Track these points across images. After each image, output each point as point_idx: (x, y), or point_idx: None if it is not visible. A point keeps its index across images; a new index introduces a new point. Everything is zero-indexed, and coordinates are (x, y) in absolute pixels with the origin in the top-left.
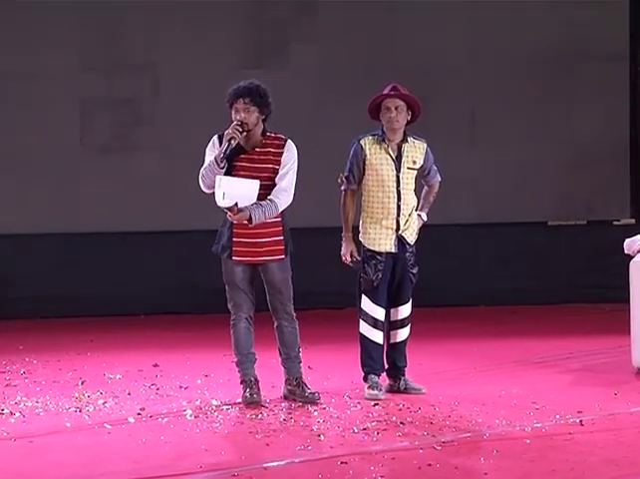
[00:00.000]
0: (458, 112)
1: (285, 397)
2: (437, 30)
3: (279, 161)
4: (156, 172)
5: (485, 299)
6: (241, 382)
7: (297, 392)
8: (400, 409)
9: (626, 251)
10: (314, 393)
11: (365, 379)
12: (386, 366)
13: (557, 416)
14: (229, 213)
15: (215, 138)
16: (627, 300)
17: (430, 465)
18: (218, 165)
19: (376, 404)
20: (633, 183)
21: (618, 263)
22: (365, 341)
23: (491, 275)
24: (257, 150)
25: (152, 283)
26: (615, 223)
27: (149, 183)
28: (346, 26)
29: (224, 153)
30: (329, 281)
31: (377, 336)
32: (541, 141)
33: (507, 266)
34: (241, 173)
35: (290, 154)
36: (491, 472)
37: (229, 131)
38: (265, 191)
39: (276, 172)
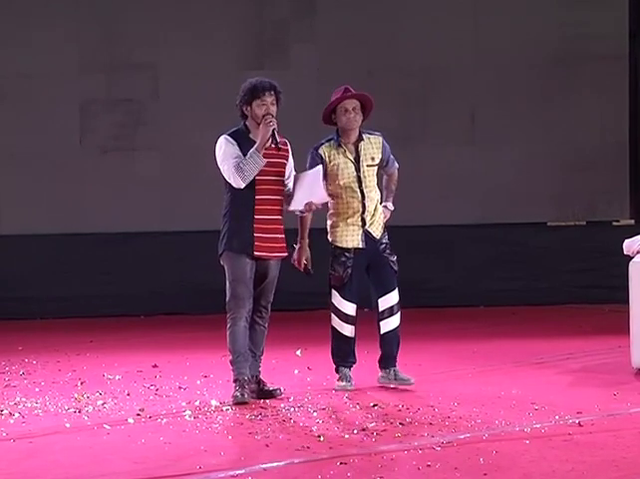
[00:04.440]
0: (458, 112)
1: None
2: (436, 30)
3: (287, 157)
4: (155, 172)
5: (485, 300)
6: (234, 381)
7: (257, 390)
8: (399, 410)
9: (625, 252)
10: (276, 389)
11: (336, 371)
12: (361, 356)
13: (557, 417)
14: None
15: (228, 137)
16: (627, 301)
17: (429, 466)
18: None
19: (375, 405)
20: (633, 183)
21: (618, 264)
22: (336, 334)
23: (491, 276)
24: (271, 146)
25: (151, 284)
26: (615, 223)
27: (149, 183)
28: (346, 26)
29: (276, 142)
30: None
31: (347, 330)
32: (541, 141)
33: (507, 267)
34: (267, 168)
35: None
36: (491, 473)
37: (267, 124)
38: (280, 185)
39: (285, 166)
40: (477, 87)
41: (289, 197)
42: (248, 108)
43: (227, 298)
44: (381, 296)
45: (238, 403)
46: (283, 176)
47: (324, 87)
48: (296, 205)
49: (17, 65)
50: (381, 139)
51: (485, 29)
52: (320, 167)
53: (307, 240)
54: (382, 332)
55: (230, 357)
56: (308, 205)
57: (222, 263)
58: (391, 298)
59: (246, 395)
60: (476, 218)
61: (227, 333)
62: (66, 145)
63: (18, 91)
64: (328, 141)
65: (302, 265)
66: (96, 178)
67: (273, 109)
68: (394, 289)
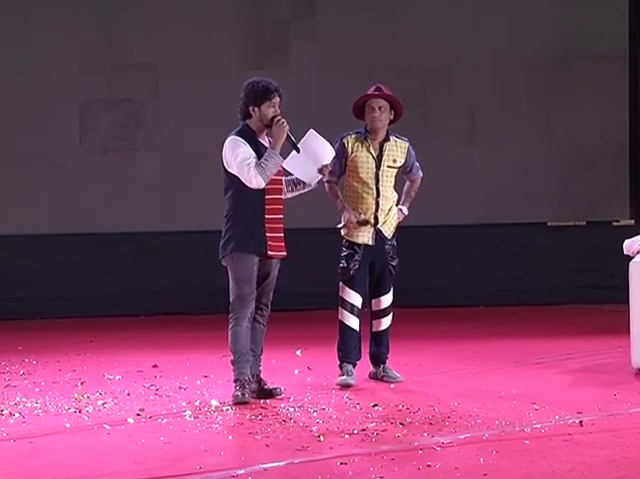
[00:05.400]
0: (458, 112)
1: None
2: (437, 30)
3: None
4: (155, 172)
5: (485, 300)
6: (235, 381)
7: (258, 389)
8: (399, 410)
9: (626, 252)
10: (276, 388)
11: (340, 367)
12: (367, 353)
13: (557, 417)
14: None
15: (239, 138)
16: (627, 301)
17: (429, 466)
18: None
19: (375, 405)
20: (633, 183)
21: (618, 264)
22: (342, 328)
23: (491, 276)
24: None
25: (151, 284)
26: (615, 223)
27: (148, 183)
28: (346, 26)
29: (294, 143)
30: (329, 282)
31: (353, 322)
32: (541, 141)
33: (507, 267)
34: None
35: None
36: (491, 473)
37: (281, 126)
38: (282, 185)
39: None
40: (477, 87)
41: (291, 181)
42: (256, 109)
43: (232, 298)
44: (375, 297)
45: (239, 403)
46: (283, 176)
47: (324, 87)
48: (313, 176)
49: (17, 65)
50: (407, 144)
51: (485, 29)
52: (311, 129)
53: (346, 204)
54: (373, 331)
55: (232, 357)
56: (323, 169)
57: (225, 264)
58: (385, 301)
59: (247, 395)
60: (476, 218)
61: (229, 333)
62: (66, 145)
63: (18, 91)
64: (357, 133)
65: (356, 222)
66: (96, 178)
67: (279, 110)
68: (388, 292)
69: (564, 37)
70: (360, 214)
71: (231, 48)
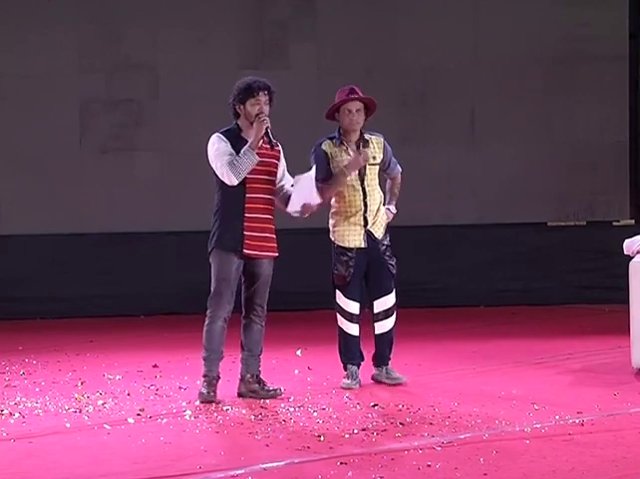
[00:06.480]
0: (458, 112)
1: (241, 396)
2: (437, 30)
3: (279, 157)
4: (155, 172)
5: (485, 300)
6: (203, 376)
7: (258, 389)
8: (399, 410)
9: (626, 252)
10: (276, 389)
11: (344, 369)
12: (368, 355)
13: (557, 417)
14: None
15: (221, 135)
16: (627, 301)
17: (429, 466)
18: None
19: (375, 405)
20: (633, 183)
21: (618, 264)
22: (342, 334)
23: (491, 276)
24: (264, 145)
25: (151, 284)
26: (615, 223)
27: (148, 183)
28: (346, 26)
29: (270, 141)
30: (329, 282)
31: (353, 329)
32: (541, 141)
33: (507, 267)
34: (259, 167)
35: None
36: (491, 473)
37: (261, 122)
38: (272, 185)
39: (277, 167)
40: (476, 87)
41: (287, 199)
42: (241, 106)
43: (210, 295)
44: (376, 299)
45: (204, 402)
46: (275, 176)
47: (324, 86)
48: (293, 206)
49: (17, 65)
50: (382, 139)
51: (485, 29)
52: (313, 171)
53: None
54: (376, 333)
55: (203, 354)
56: (305, 206)
57: (211, 261)
58: (386, 301)
59: (212, 393)
60: (475, 218)
61: (204, 330)
62: (66, 145)
63: (18, 91)
64: (330, 139)
65: (363, 157)
66: (96, 178)
67: (266, 108)
68: (390, 293)
69: (564, 37)
70: (349, 217)
71: (231, 48)
